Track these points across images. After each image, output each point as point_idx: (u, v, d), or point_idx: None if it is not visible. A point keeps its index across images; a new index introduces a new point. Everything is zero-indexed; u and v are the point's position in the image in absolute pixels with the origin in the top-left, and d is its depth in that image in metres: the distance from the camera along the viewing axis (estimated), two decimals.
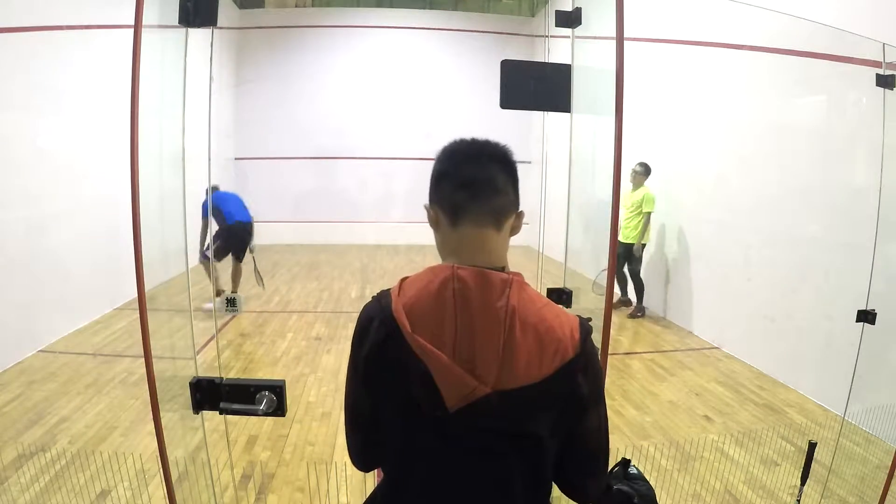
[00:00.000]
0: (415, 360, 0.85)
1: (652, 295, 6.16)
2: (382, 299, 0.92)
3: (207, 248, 5.46)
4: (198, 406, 1.31)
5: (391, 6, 10.76)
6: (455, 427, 0.87)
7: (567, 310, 0.98)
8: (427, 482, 0.92)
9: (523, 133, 10.86)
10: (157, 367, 1.33)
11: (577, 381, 0.89)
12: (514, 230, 0.96)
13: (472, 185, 0.92)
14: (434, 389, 0.85)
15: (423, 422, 0.88)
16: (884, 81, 2.33)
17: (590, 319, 0.95)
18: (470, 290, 0.87)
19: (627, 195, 5.72)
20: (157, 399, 1.35)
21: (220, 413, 1.31)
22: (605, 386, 1.74)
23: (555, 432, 0.91)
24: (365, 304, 0.96)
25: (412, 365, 0.85)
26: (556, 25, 1.70)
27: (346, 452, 1.04)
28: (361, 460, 1.03)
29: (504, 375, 0.85)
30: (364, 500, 1.04)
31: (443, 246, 0.96)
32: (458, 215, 0.92)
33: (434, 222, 0.97)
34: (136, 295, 1.28)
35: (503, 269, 0.92)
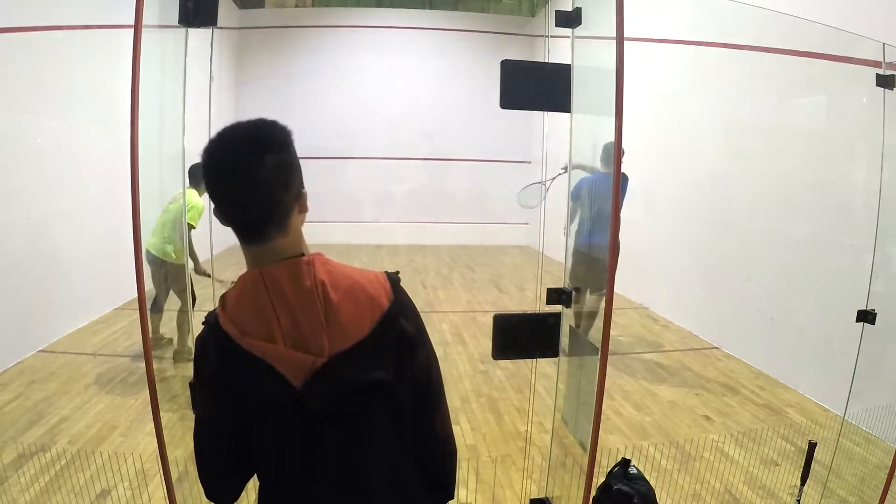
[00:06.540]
0: (255, 360, 0.90)
1: (652, 294, 6.15)
2: (211, 319, 0.96)
3: None
4: None
5: (391, 6, 10.75)
6: (313, 402, 0.91)
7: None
8: (302, 465, 0.96)
9: (523, 133, 10.91)
10: (157, 367, 1.33)
11: (401, 324, 0.98)
12: (302, 211, 0.97)
13: (248, 213, 0.92)
14: (280, 378, 0.90)
15: (283, 412, 0.92)
16: (884, 81, 2.34)
17: (397, 272, 1.02)
18: (279, 281, 0.92)
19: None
20: (157, 399, 1.35)
21: None
22: (606, 386, 1.73)
23: (400, 375, 0.97)
24: (198, 334, 0.98)
25: (255, 366, 0.90)
26: (556, 25, 1.71)
27: None
28: (230, 488, 1.03)
29: (335, 341, 0.92)
30: None
31: (245, 255, 0.97)
32: (244, 238, 0.94)
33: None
34: (136, 295, 1.29)
35: (302, 254, 0.95)
